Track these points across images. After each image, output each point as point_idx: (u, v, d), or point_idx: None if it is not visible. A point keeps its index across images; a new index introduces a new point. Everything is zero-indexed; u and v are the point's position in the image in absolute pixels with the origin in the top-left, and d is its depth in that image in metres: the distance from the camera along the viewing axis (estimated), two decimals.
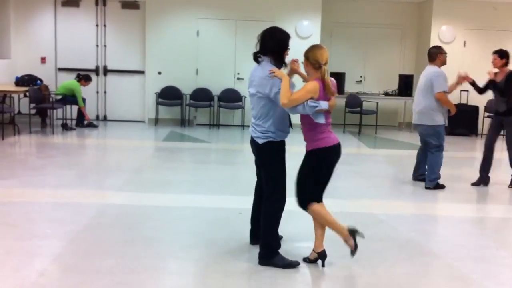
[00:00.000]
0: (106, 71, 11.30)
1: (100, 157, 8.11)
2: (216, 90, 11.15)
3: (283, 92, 3.53)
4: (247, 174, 6.18)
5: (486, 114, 11.08)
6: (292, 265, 3.76)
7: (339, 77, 10.57)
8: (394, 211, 5.44)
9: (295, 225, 4.64)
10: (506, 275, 3.86)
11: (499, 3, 11.38)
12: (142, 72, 11.29)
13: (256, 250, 3.88)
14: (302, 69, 3.89)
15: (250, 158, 4.06)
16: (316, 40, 10.64)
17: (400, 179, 6.98)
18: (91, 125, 10.35)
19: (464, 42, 11.55)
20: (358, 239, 3.80)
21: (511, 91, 6.32)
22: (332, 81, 3.72)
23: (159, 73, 11.17)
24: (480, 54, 11.60)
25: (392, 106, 12.28)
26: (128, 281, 3.45)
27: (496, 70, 6.54)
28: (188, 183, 6.26)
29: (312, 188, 3.75)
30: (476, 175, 6.71)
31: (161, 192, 5.81)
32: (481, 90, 6.70)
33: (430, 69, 6.29)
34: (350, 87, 11.82)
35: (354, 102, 11.02)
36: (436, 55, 6.31)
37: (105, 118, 11.45)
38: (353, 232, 3.80)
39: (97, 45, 11.23)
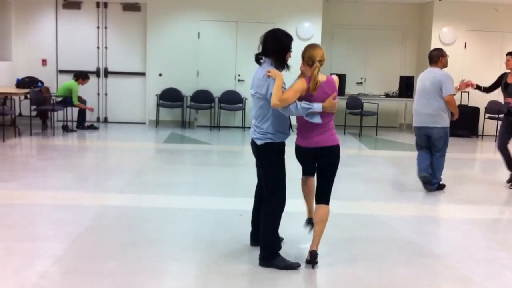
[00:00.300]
0: (107, 73, 11.32)
1: (100, 159, 8.11)
2: (216, 92, 11.16)
3: (274, 92, 3.54)
4: (247, 175, 6.18)
5: (487, 115, 11.10)
6: (293, 266, 3.76)
7: (340, 79, 10.50)
8: (395, 212, 5.43)
9: (295, 226, 4.64)
10: (508, 276, 3.85)
11: (500, 5, 11.38)
12: (143, 74, 11.31)
13: (256, 251, 3.88)
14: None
15: (251, 160, 4.06)
16: (317, 42, 10.65)
17: (400, 180, 6.98)
18: (91, 127, 10.35)
19: (465, 44, 11.55)
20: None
21: None
22: (329, 79, 3.72)
23: (160, 75, 11.18)
24: (481, 55, 11.62)
25: (393, 108, 12.29)
26: (129, 282, 3.45)
27: (508, 71, 6.57)
28: (188, 185, 6.26)
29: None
30: (476, 176, 6.70)
31: (161, 193, 5.81)
32: (488, 89, 6.72)
33: (436, 72, 6.19)
34: (351, 88, 11.82)
35: (354, 104, 11.02)
36: (437, 57, 6.28)
37: (105, 120, 11.46)
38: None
39: (98, 47, 11.24)
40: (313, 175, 3.97)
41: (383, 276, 3.74)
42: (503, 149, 6.61)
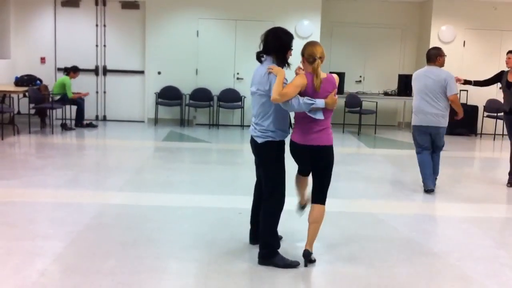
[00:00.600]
0: (105, 71, 11.30)
1: (100, 157, 8.11)
2: (215, 90, 11.15)
3: (275, 87, 3.55)
4: (246, 174, 6.18)
5: (486, 114, 11.11)
6: (292, 265, 3.77)
7: (339, 77, 10.54)
8: (394, 211, 5.44)
9: (295, 225, 4.64)
10: (507, 275, 3.86)
11: (499, 3, 11.38)
12: (141, 72, 11.29)
13: (256, 250, 3.89)
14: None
15: (250, 158, 4.06)
16: (316, 40, 10.57)
17: (399, 178, 6.98)
18: (90, 125, 10.34)
19: (464, 42, 11.55)
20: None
21: None
22: (329, 77, 3.72)
23: (159, 73, 11.17)
24: (480, 54, 11.62)
25: (392, 106, 12.29)
26: (128, 281, 3.45)
27: (508, 69, 6.58)
28: (188, 183, 6.26)
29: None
30: (475, 175, 6.71)
31: (161, 192, 5.81)
32: (481, 83, 6.69)
33: (439, 71, 6.18)
34: (349, 87, 11.83)
35: (353, 102, 11.02)
36: (435, 56, 6.27)
37: (104, 118, 11.44)
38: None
39: (96, 45, 11.23)
40: (308, 175, 3.96)
41: (383, 275, 3.75)
42: None
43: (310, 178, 3.93)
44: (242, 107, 11.12)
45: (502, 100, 6.81)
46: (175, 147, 8.83)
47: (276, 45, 3.71)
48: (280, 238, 4.06)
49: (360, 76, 12.29)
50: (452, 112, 6.18)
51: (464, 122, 11.01)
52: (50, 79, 10.82)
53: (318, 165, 3.78)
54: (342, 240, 4.40)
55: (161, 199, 5.50)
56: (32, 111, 9.81)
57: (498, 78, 6.75)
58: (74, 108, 10.27)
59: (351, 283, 3.59)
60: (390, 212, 5.36)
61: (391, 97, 11.61)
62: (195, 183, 6.29)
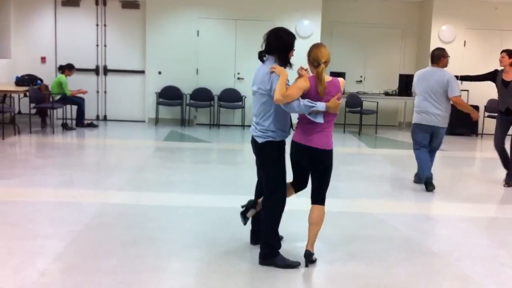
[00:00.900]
0: (106, 70, 11.31)
1: (100, 156, 8.11)
2: (216, 90, 11.16)
3: (278, 88, 3.55)
4: (247, 173, 6.19)
5: (487, 114, 11.11)
6: (293, 265, 3.77)
7: (340, 77, 10.56)
8: (394, 210, 5.45)
9: (295, 225, 4.65)
10: (507, 274, 3.87)
11: (500, 3, 11.39)
12: (142, 72, 11.30)
13: (257, 250, 3.90)
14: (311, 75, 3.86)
15: (251, 157, 4.06)
16: (316, 39, 10.64)
17: (400, 178, 6.99)
18: (91, 125, 10.35)
19: (464, 42, 11.55)
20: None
21: None
22: (334, 80, 3.72)
23: (159, 73, 11.18)
24: (481, 54, 11.62)
25: (392, 106, 12.30)
26: (129, 280, 3.46)
27: (502, 68, 6.59)
28: (189, 183, 6.27)
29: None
30: (475, 175, 6.71)
31: (162, 191, 5.82)
32: (470, 78, 6.69)
33: (442, 72, 6.21)
34: (350, 87, 11.83)
35: (354, 102, 11.02)
36: (439, 57, 6.28)
37: (105, 118, 11.45)
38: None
39: (97, 45, 11.23)
40: (298, 191, 3.97)
41: (383, 274, 3.76)
42: (501, 150, 6.59)
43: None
44: (242, 107, 11.12)
45: (498, 99, 6.83)
46: (176, 147, 8.84)
47: (278, 45, 3.72)
48: (281, 238, 4.06)
49: (361, 76, 12.30)
50: (468, 115, 6.24)
51: (464, 122, 11.04)
52: (50, 78, 10.82)
53: (317, 167, 3.78)
54: (342, 240, 4.41)
55: (161, 199, 5.51)
56: (33, 111, 9.81)
57: (491, 77, 6.75)
58: (74, 108, 10.29)
59: (351, 283, 3.59)
60: (390, 211, 5.37)
61: (391, 97, 11.62)
62: (196, 182, 6.30)
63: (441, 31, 11.47)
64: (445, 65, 6.30)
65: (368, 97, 11.32)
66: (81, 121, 10.28)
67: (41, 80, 10.27)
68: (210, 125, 11.17)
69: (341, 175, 6.79)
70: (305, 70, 3.81)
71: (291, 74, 3.71)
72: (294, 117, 3.83)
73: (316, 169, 3.79)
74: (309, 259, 3.79)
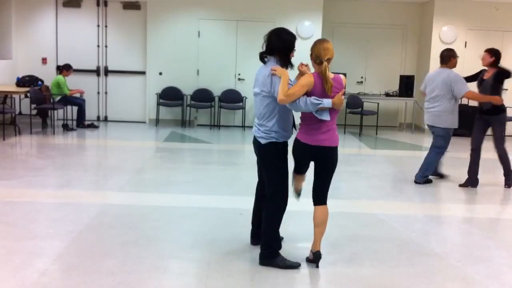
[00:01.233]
0: (107, 71, 11.31)
1: (101, 157, 8.11)
2: (217, 91, 11.16)
3: (281, 88, 3.53)
4: (247, 174, 6.19)
5: None
6: (293, 266, 3.77)
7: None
8: (395, 211, 5.44)
9: (296, 225, 4.65)
10: (508, 275, 3.86)
11: (501, 4, 11.38)
12: (143, 73, 11.31)
13: (257, 250, 3.89)
14: (312, 71, 3.84)
15: (251, 158, 4.06)
16: None
17: (400, 179, 6.98)
18: (92, 125, 10.36)
19: (465, 43, 11.54)
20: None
21: (497, 89, 6.38)
22: (337, 77, 3.70)
23: (160, 73, 11.18)
24: (481, 54, 11.59)
25: (393, 107, 12.29)
26: (129, 281, 3.45)
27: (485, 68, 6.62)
28: (189, 184, 6.26)
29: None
30: (479, 176, 6.70)
31: (162, 192, 5.81)
32: (468, 79, 6.72)
33: (447, 72, 6.31)
34: (351, 87, 11.83)
35: (355, 103, 11.02)
36: (448, 58, 6.39)
37: (105, 119, 11.46)
38: None
39: (98, 46, 11.24)
40: (304, 173, 3.96)
41: (384, 275, 3.75)
42: (476, 149, 6.58)
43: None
44: (243, 108, 11.12)
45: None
46: (176, 148, 8.84)
47: (279, 46, 3.71)
48: (281, 239, 4.05)
49: (362, 77, 12.29)
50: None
51: (465, 123, 11.02)
52: (51, 79, 10.78)
53: (323, 165, 3.75)
54: (343, 240, 4.40)
55: (162, 199, 5.50)
56: (34, 112, 9.82)
57: (478, 75, 6.77)
58: (75, 108, 10.29)
59: (351, 283, 3.58)
60: (390, 212, 5.36)
61: (392, 98, 11.61)
62: (196, 183, 6.29)
63: (442, 31, 11.46)
64: (454, 66, 6.43)
65: (369, 98, 11.32)
66: (81, 122, 10.28)
67: (42, 81, 10.28)
68: (211, 126, 11.16)
69: (342, 175, 6.78)
70: (306, 65, 3.81)
71: (292, 74, 3.70)
72: (297, 117, 3.81)
73: (322, 167, 3.77)
74: (319, 259, 3.79)
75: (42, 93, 9.79)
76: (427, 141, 10.38)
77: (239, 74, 11.26)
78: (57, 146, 8.48)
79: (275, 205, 3.80)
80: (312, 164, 3.84)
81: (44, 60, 11.14)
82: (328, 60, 3.62)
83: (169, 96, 11.12)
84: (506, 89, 11.39)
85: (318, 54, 3.63)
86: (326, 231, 3.86)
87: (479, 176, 6.61)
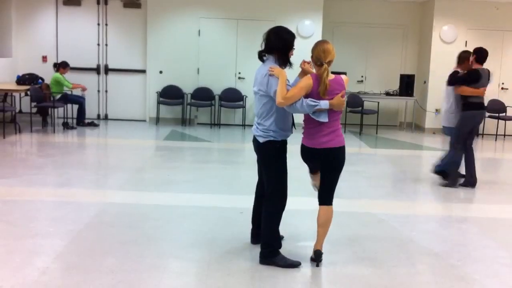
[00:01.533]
0: (107, 70, 11.31)
1: (101, 156, 8.11)
2: (217, 90, 11.15)
3: (279, 90, 3.53)
4: (248, 173, 6.19)
5: (488, 114, 11.09)
6: (293, 265, 3.77)
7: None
8: (395, 211, 5.44)
9: (296, 224, 4.65)
10: (508, 275, 3.86)
11: (501, 3, 11.37)
12: (143, 71, 11.30)
13: (257, 249, 3.89)
14: (314, 70, 3.84)
15: (251, 157, 4.06)
16: (317, 39, 10.56)
17: (401, 179, 6.98)
18: (92, 124, 10.36)
19: (466, 42, 11.52)
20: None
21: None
22: (337, 78, 3.69)
23: (160, 72, 11.17)
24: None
25: (393, 106, 12.28)
26: (129, 280, 3.46)
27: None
28: (189, 183, 6.26)
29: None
30: (476, 175, 6.70)
31: (162, 191, 5.81)
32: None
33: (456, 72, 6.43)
34: (351, 86, 11.80)
35: (355, 102, 11.02)
36: (464, 59, 6.43)
37: (106, 117, 11.45)
38: None
39: (98, 44, 11.23)
40: (318, 170, 3.96)
41: (384, 274, 3.75)
42: (468, 149, 6.59)
43: None
44: (243, 107, 11.11)
45: (503, 100, 6.83)
46: (176, 146, 8.84)
47: (278, 44, 3.70)
48: (281, 237, 4.05)
49: (362, 76, 12.28)
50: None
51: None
52: (51, 77, 10.83)
53: (330, 165, 3.75)
54: (343, 240, 4.40)
55: (162, 198, 5.50)
56: (34, 110, 9.81)
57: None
58: (75, 107, 10.29)
59: (351, 283, 3.58)
60: (391, 212, 5.36)
61: (392, 97, 11.61)
62: (196, 182, 6.29)
63: (442, 31, 11.45)
64: (466, 68, 6.43)
65: (369, 97, 11.31)
66: (82, 120, 10.28)
67: (42, 79, 10.27)
68: (211, 125, 11.16)
69: (342, 175, 6.72)
70: (308, 63, 3.80)
71: (291, 73, 3.70)
72: (297, 117, 3.81)
73: (328, 167, 3.77)
74: (320, 258, 3.79)
75: (42, 91, 9.79)
76: (427, 140, 10.40)
77: (239, 73, 11.26)
78: (57, 145, 8.48)
79: (274, 205, 3.80)
80: None
81: (44, 58, 11.13)
82: (329, 62, 3.62)
83: (170, 94, 11.11)
84: (507, 88, 11.47)
85: (319, 57, 3.62)
86: None
87: (478, 175, 6.61)
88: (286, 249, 3.94)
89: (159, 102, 11.05)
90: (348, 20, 12.10)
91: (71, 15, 11.10)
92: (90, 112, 11.04)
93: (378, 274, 3.74)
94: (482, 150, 9.96)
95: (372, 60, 12.28)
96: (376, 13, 12.07)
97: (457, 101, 6.35)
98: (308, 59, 3.85)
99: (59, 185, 5.88)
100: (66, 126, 9.91)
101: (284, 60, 3.73)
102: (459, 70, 6.41)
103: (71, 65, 10.69)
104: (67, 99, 9.97)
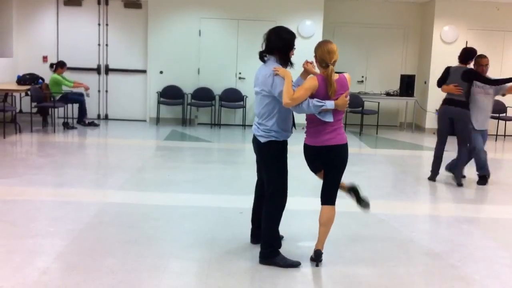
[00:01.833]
0: (107, 70, 11.31)
1: (101, 156, 8.11)
2: (217, 90, 11.15)
3: (285, 91, 3.53)
4: (248, 173, 6.18)
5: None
6: (293, 265, 3.77)
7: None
8: (395, 211, 5.44)
9: (296, 224, 4.66)
10: (508, 275, 3.86)
11: (502, 4, 11.37)
12: (143, 71, 11.30)
13: (257, 249, 3.89)
14: (316, 69, 3.84)
15: (251, 157, 4.06)
16: (318, 40, 10.56)
17: (401, 179, 6.98)
18: (92, 124, 10.36)
19: (466, 43, 11.51)
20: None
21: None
22: (341, 78, 3.69)
23: (161, 72, 11.18)
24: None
25: (394, 106, 12.29)
26: (129, 280, 3.46)
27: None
28: (189, 183, 6.26)
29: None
30: (476, 176, 6.70)
31: (162, 191, 5.81)
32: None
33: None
34: (351, 87, 11.75)
35: (355, 102, 11.00)
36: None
37: (106, 117, 11.46)
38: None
39: (99, 44, 11.24)
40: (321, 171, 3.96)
41: (384, 275, 3.75)
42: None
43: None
44: (244, 107, 11.12)
45: (503, 101, 6.85)
46: (177, 146, 8.84)
47: (279, 44, 3.71)
48: (281, 237, 4.06)
49: (362, 76, 12.28)
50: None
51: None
52: (50, 79, 10.83)
53: (332, 163, 3.76)
54: (343, 240, 4.40)
55: (162, 198, 5.50)
56: (34, 110, 9.82)
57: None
58: (76, 106, 10.30)
59: (351, 283, 3.58)
60: (391, 212, 5.36)
61: (393, 98, 11.61)
62: (196, 182, 6.29)
63: (443, 31, 11.45)
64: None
65: (370, 97, 11.31)
66: (82, 120, 10.28)
67: (43, 79, 10.27)
68: (211, 125, 11.16)
69: (343, 175, 6.76)
70: (310, 63, 3.80)
71: (292, 73, 3.69)
72: (298, 117, 3.81)
73: (330, 165, 3.77)
74: (320, 258, 3.79)
75: (43, 91, 9.79)
76: (427, 140, 10.39)
77: (239, 73, 11.26)
78: (57, 145, 8.48)
79: (274, 204, 3.80)
80: None
81: (45, 58, 11.13)
82: (334, 62, 3.62)
83: (170, 94, 11.11)
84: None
85: (323, 58, 3.62)
86: None
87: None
88: (286, 249, 3.94)
89: (159, 102, 11.05)
90: (349, 21, 12.10)
91: (71, 15, 11.11)
92: (91, 112, 11.04)
93: (378, 274, 3.74)
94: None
95: (373, 60, 12.28)
96: (376, 13, 12.07)
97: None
98: (309, 59, 3.85)
99: (59, 185, 5.88)
100: (66, 126, 9.91)
101: (285, 60, 3.73)
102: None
103: (72, 65, 10.73)
104: (68, 99, 9.98)
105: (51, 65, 10.08)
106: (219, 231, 4.51)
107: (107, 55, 11.28)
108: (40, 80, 10.20)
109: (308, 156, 3.83)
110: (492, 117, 10.84)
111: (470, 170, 6.99)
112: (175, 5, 11.01)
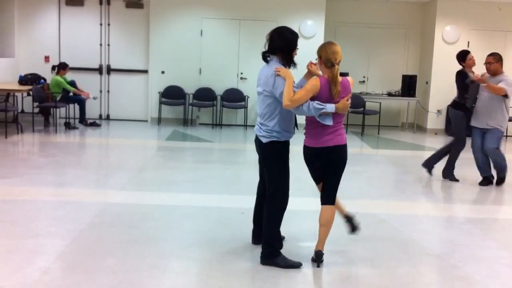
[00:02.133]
0: (109, 70, 11.32)
1: (102, 156, 8.13)
2: (219, 90, 11.16)
3: (286, 93, 3.53)
4: (249, 173, 6.19)
5: None
6: (294, 265, 3.77)
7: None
8: (396, 211, 5.43)
9: (297, 225, 4.65)
10: (509, 275, 3.85)
11: (504, 4, 11.35)
12: (145, 72, 11.31)
13: (258, 249, 3.89)
14: (319, 71, 3.83)
15: (252, 157, 4.06)
16: (319, 40, 10.62)
17: (402, 179, 6.98)
18: (94, 124, 10.37)
19: (468, 43, 11.50)
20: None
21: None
22: (344, 81, 3.69)
23: (163, 72, 11.18)
24: (484, 54, 11.50)
25: (395, 107, 12.28)
26: (130, 279, 3.46)
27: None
28: (190, 183, 6.27)
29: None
30: (477, 176, 6.69)
31: (163, 191, 5.82)
32: None
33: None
34: (353, 88, 11.79)
35: (357, 102, 10.99)
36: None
37: (108, 117, 11.47)
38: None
39: (100, 44, 11.25)
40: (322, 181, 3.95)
41: (384, 275, 3.75)
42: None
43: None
44: (245, 107, 11.12)
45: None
46: (178, 147, 8.85)
47: (281, 44, 3.70)
48: (282, 238, 4.05)
49: (364, 77, 12.28)
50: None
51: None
52: (51, 80, 10.84)
53: (332, 163, 3.75)
54: (344, 240, 4.40)
55: (163, 198, 5.51)
56: (36, 110, 9.83)
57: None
58: (77, 107, 10.29)
59: (352, 283, 3.58)
60: (392, 212, 5.35)
61: (394, 98, 11.60)
62: (197, 182, 6.29)
63: (445, 31, 11.44)
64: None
65: (371, 98, 11.31)
66: (83, 120, 10.28)
67: (45, 79, 10.28)
68: (213, 125, 11.17)
69: (343, 175, 6.75)
70: (314, 64, 3.80)
71: (295, 73, 3.69)
72: (299, 117, 3.80)
73: (331, 166, 3.76)
74: (321, 259, 3.79)
75: (45, 91, 9.80)
76: (429, 141, 10.39)
77: (241, 73, 11.26)
78: (59, 145, 8.49)
79: (275, 205, 3.80)
80: None
81: (46, 58, 11.15)
82: (338, 63, 3.63)
83: (171, 95, 11.12)
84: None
85: (329, 58, 3.61)
86: None
87: (478, 176, 6.62)
88: (287, 250, 3.94)
89: (161, 102, 11.06)
90: (350, 21, 12.09)
91: (73, 15, 11.12)
92: (92, 112, 11.06)
93: (379, 275, 3.74)
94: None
95: (374, 60, 12.27)
96: (378, 13, 12.07)
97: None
98: (311, 59, 3.85)
99: (60, 184, 5.89)
100: (68, 126, 9.92)
101: (288, 60, 3.73)
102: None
103: (73, 65, 10.73)
104: (69, 99, 9.98)
105: (53, 67, 10.08)
106: (220, 231, 4.51)
107: (109, 55, 11.29)
108: (42, 80, 10.20)
109: (308, 157, 3.82)
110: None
111: (474, 172, 6.99)
112: (176, 5, 11.02)
